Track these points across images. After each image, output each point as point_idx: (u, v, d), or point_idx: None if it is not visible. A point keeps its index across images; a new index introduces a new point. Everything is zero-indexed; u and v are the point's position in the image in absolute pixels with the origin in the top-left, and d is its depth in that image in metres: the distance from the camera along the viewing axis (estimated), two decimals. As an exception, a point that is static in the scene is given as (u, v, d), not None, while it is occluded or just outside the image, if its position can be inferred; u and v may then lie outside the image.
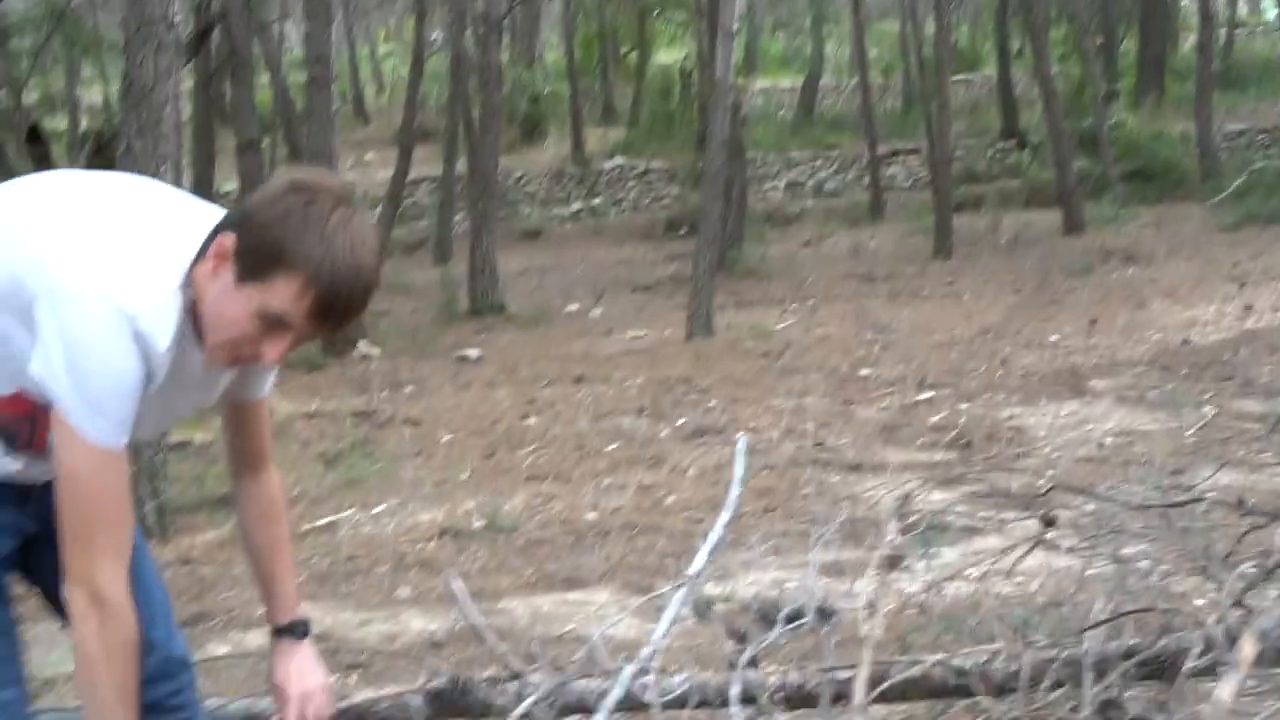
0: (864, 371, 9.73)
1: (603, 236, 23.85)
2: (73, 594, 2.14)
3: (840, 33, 39.45)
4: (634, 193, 26.18)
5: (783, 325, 12.34)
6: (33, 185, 2.33)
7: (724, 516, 2.82)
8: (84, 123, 27.58)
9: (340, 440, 8.22)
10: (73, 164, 19.29)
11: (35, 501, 2.32)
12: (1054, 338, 10.61)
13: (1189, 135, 23.63)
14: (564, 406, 9.09)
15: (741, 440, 3.02)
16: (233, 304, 2.09)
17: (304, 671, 2.53)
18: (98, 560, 2.13)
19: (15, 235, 2.16)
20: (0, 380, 2.20)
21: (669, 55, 34.27)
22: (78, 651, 2.16)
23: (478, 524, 6.08)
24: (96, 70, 31.79)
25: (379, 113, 33.47)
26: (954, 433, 7.42)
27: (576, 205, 25.85)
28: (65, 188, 2.30)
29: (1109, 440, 7.01)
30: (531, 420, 8.69)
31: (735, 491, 2.86)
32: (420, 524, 6.20)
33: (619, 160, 26.61)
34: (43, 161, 16.57)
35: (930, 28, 21.40)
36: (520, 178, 25.60)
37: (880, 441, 7.45)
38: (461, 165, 21.00)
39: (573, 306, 14.89)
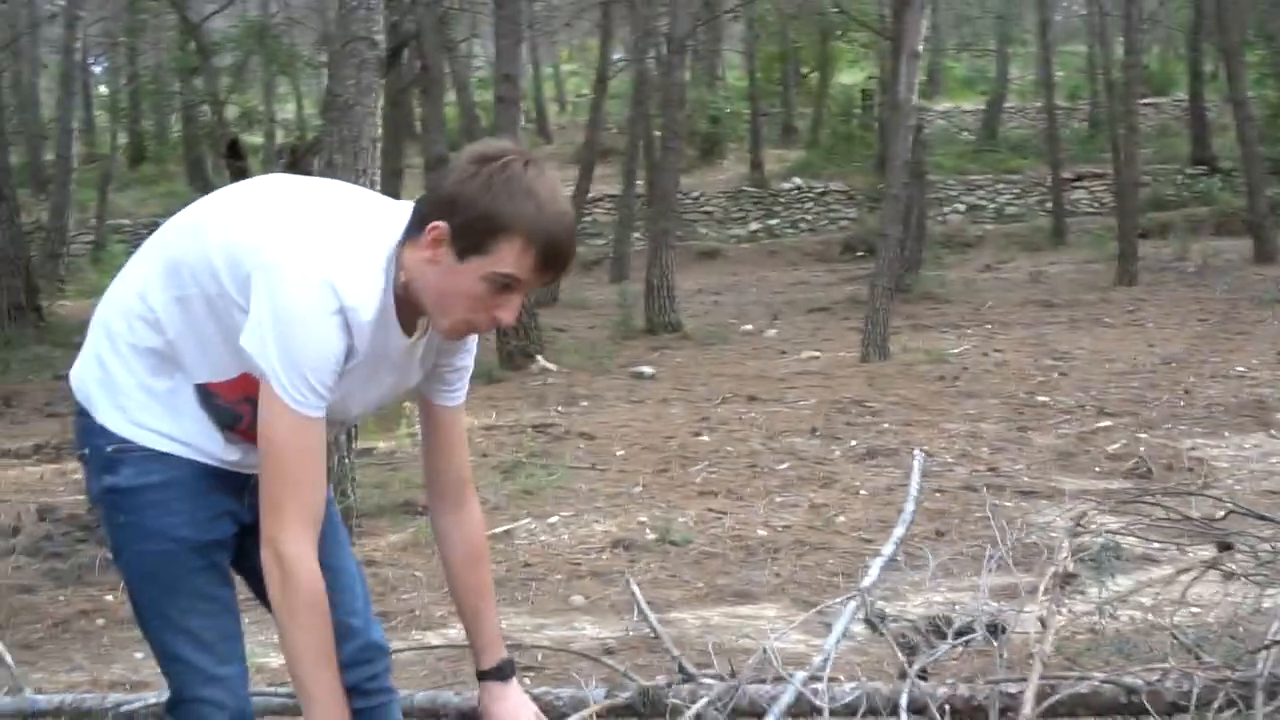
0: (1041, 398, 9.61)
1: (779, 257, 23.90)
2: (264, 555, 2.29)
3: (1025, 55, 38.87)
4: (811, 214, 26.16)
5: (959, 350, 12.25)
6: (249, 184, 2.52)
7: (899, 530, 2.88)
8: (279, 137, 28.47)
9: (517, 452, 8.39)
10: (269, 178, 19.94)
11: (251, 493, 2.48)
12: (1240, 369, 10.36)
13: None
14: (737, 425, 9.16)
15: (918, 455, 3.07)
16: (460, 281, 2.26)
17: (516, 712, 2.65)
18: (286, 522, 2.28)
19: (237, 221, 2.36)
20: (226, 361, 2.36)
21: (850, 76, 34.15)
22: (275, 613, 2.32)
23: (650, 536, 6.18)
24: (290, 87, 32.90)
25: (559, 131, 33.95)
26: (1132, 462, 7.30)
27: (754, 225, 25.94)
28: (278, 186, 2.50)
29: (1293, 474, 6.84)
30: (704, 437, 8.78)
31: (910, 506, 2.92)
32: (594, 535, 6.32)
33: (797, 181, 26.62)
34: (240, 175, 17.22)
35: (1119, 50, 20.99)
36: (698, 197, 25.79)
37: (1056, 468, 7.37)
38: (640, 184, 21.26)
39: (748, 326, 14.96)
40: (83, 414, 2.46)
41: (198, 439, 2.43)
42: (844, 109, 30.97)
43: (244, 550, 2.55)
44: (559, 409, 10.17)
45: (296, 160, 17.43)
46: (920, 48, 11.64)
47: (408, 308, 2.36)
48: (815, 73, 32.95)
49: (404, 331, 2.38)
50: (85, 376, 2.46)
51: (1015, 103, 34.01)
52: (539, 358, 12.27)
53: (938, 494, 6.74)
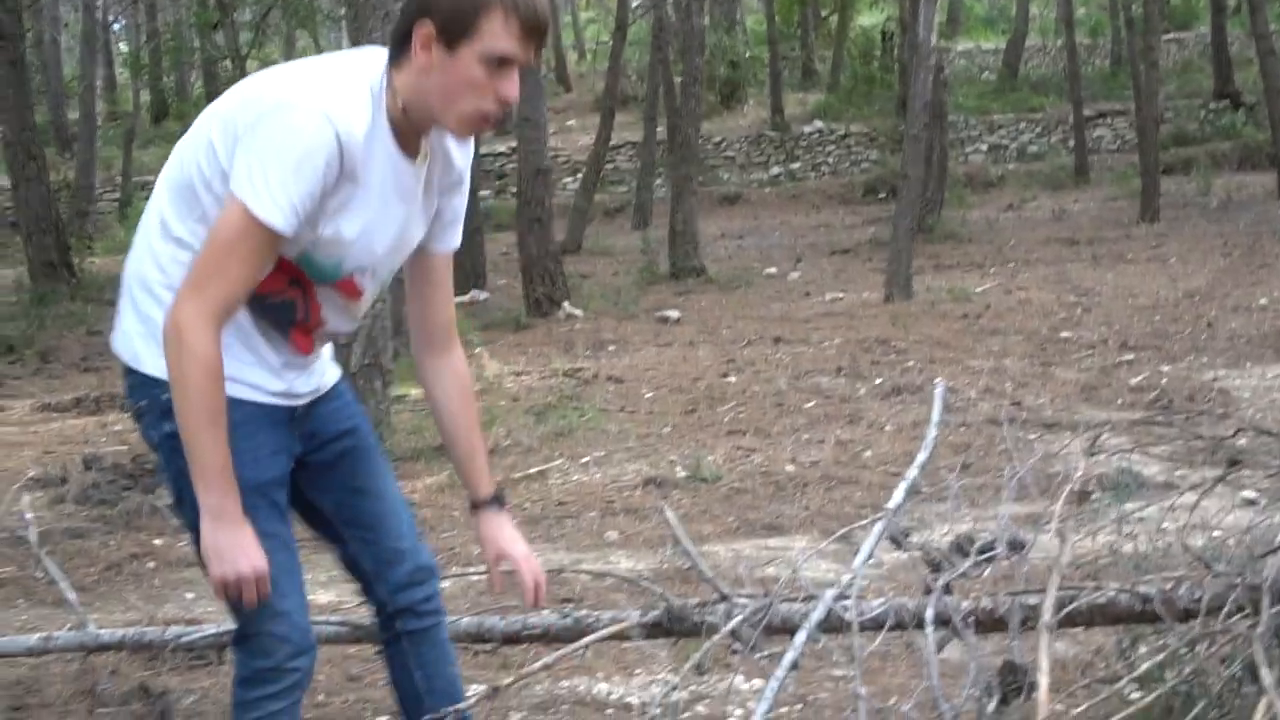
0: (1064, 334, 9.71)
1: (801, 201, 23.92)
2: (165, 325, 2.35)
3: (1046, -9, 38.58)
4: (833, 157, 26.13)
5: (982, 288, 12.33)
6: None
7: (922, 455, 3.00)
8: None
9: (548, 395, 8.54)
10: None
11: (299, 421, 2.63)
12: (1263, 301, 10.43)
13: None
14: (763, 365, 9.29)
15: (939, 384, 3.19)
16: (458, 71, 2.36)
17: (515, 537, 2.79)
18: (196, 300, 2.33)
19: (222, 101, 2.50)
20: None
21: (870, 18, 33.99)
22: (170, 382, 2.36)
23: (681, 474, 6.32)
24: (309, 40, 32.93)
25: (579, 79, 33.90)
26: (1154, 393, 7.41)
27: (775, 170, 25.93)
28: (253, 75, 2.62)
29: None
30: (731, 378, 8.91)
31: (933, 433, 3.04)
32: (625, 473, 6.47)
33: (818, 124, 26.57)
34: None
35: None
36: (719, 142, 25.78)
37: (1079, 401, 7.49)
38: (661, 130, 21.28)
39: (771, 269, 15.05)
40: (131, 373, 2.54)
41: (249, 373, 2.52)
42: (864, 51, 30.86)
43: (297, 486, 2.69)
44: (587, 353, 10.30)
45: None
46: (939, -13, 11.64)
47: (408, 132, 2.47)
48: (834, 15, 32.81)
49: (406, 155, 2.48)
50: (129, 332, 2.54)
51: (1035, 41, 33.82)
52: (565, 304, 12.40)
53: (962, 428, 6.87)
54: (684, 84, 15.09)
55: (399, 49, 2.42)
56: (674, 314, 11.99)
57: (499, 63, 2.35)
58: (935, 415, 3.10)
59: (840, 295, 12.69)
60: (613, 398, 8.48)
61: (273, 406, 2.59)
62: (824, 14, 34.38)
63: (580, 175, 21.92)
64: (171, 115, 33.31)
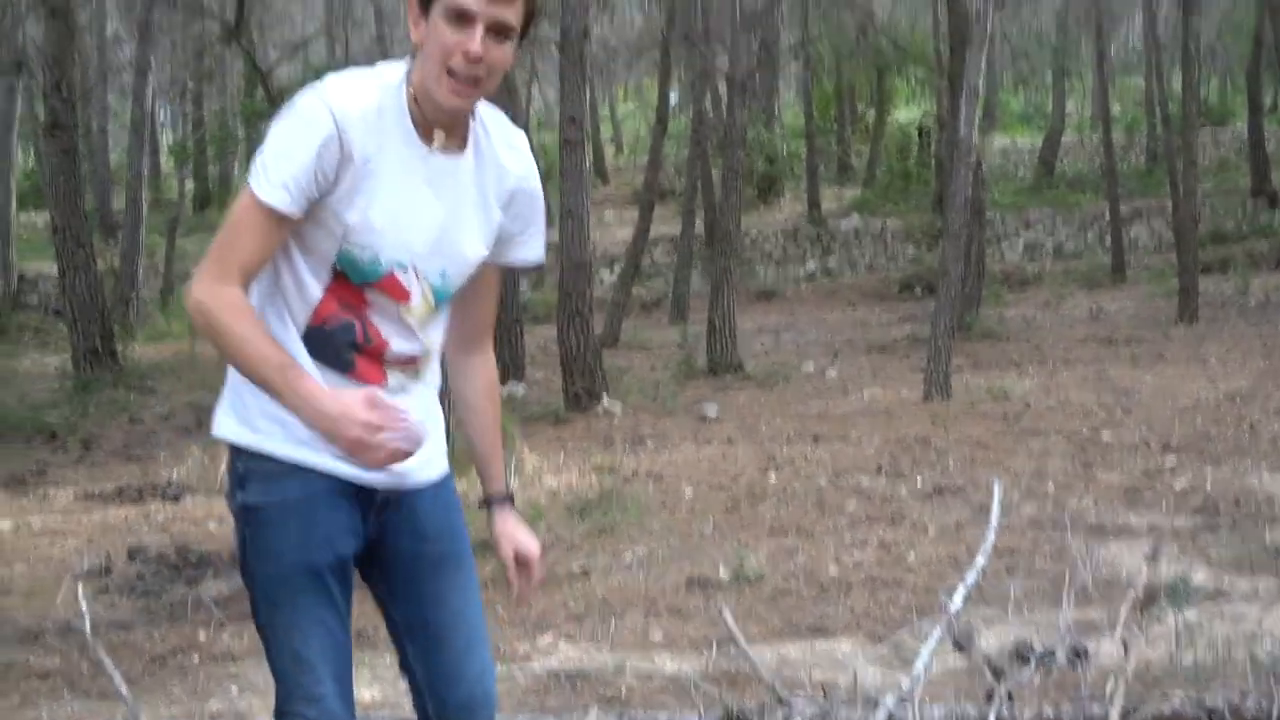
0: (1105, 436, 9.66)
1: (837, 297, 23.96)
2: (188, 308, 2.48)
3: (1081, 88, 38.87)
4: (869, 253, 26.23)
5: (1021, 388, 12.29)
6: None
7: (980, 559, 3.00)
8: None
9: (588, 491, 8.54)
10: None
11: (381, 507, 2.65)
12: (1306, 404, 10.38)
13: None
14: (803, 464, 9.28)
15: (997, 485, 3.20)
16: (433, 38, 2.46)
17: (530, 536, 2.84)
18: (205, 273, 2.46)
19: None
20: (311, 269, 2.56)
21: (906, 114, 34.27)
22: (212, 340, 2.48)
23: (724, 574, 6.31)
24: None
25: (616, 172, 34.23)
26: (1200, 498, 7.36)
27: (811, 265, 26.03)
28: None
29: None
30: (772, 476, 8.90)
31: (991, 536, 3.04)
32: (669, 572, 6.46)
33: (855, 220, 26.72)
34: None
35: (1177, 81, 21.00)
36: (756, 237, 25.92)
37: (1123, 505, 7.45)
38: (698, 224, 21.43)
39: (809, 366, 15.06)
40: (226, 445, 2.65)
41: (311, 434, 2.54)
42: (900, 147, 31.10)
43: (370, 573, 2.73)
44: (626, 449, 10.31)
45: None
46: (979, 85, 11.74)
47: (425, 123, 2.54)
48: (871, 110, 33.09)
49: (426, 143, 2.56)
50: (220, 406, 2.67)
51: (1071, 137, 34.02)
52: (604, 398, 12.43)
53: (1006, 530, 6.83)
54: (724, 178, 15.20)
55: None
56: (712, 410, 11.99)
57: (458, 18, 2.44)
58: (994, 518, 3.10)
59: (879, 393, 12.68)
60: (653, 494, 8.48)
61: (337, 480, 2.57)
62: (860, 109, 34.69)
63: (615, 268, 22.09)
64: (214, 204, 33.77)
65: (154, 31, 21.70)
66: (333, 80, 2.50)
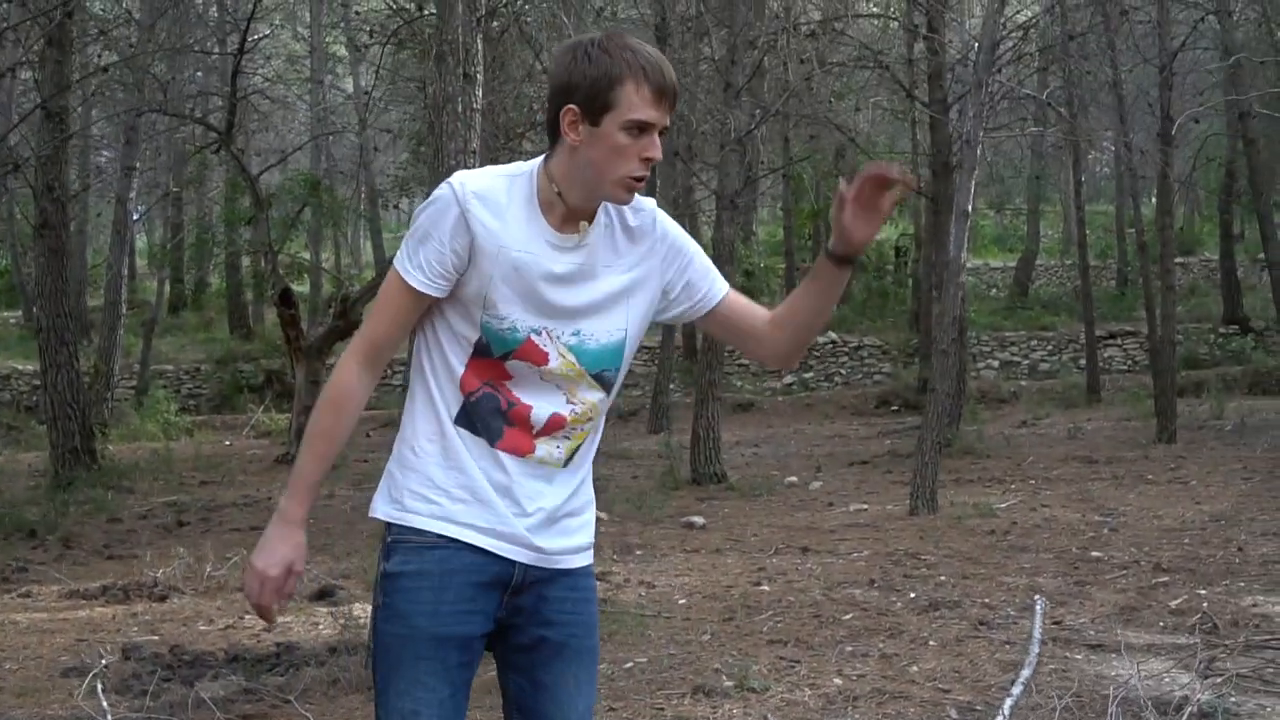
0: (1095, 553, 9.70)
1: (814, 410, 24.09)
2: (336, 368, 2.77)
3: (1053, 213, 39.46)
4: (846, 368, 26.44)
5: (1005, 504, 12.35)
6: None
7: (1026, 671, 3.01)
8: (325, 286, 28.96)
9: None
10: (317, 324, 20.41)
11: (518, 590, 2.77)
12: (1291, 527, 10.44)
13: None
14: (794, 575, 9.27)
15: (1039, 600, 3.21)
16: (604, 142, 2.65)
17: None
18: (350, 348, 2.78)
19: None
20: (453, 344, 2.78)
21: (882, 232, 34.66)
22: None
23: (728, 683, 6.28)
24: (330, 236, 33.53)
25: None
26: (1197, 617, 7.38)
27: (789, 379, 26.17)
28: None
29: (1360, 631, 6.92)
30: (764, 587, 8.89)
31: (1035, 648, 3.05)
32: (672, 680, 6.42)
33: (832, 335, 26.92)
34: (291, 324, 17.58)
35: (1146, 209, 21.37)
36: (733, 350, 26.02)
37: (1120, 623, 7.45)
38: (676, 335, 21.53)
39: (792, 478, 15.08)
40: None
41: (459, 510, 2.73)
42: (877, 265, 31.43)
43: (497, 640, 2.82)
44: (615, 558, 10.28)
45: (346, 310, 17.81)
46: (970, 208, 11.93)
47: (567, 214, 2.73)
48: (847, 229, 33.45)
49: (563, 233, 2.74)
50: (379, 491, 2.86)
51: (1044, 260, 34.50)
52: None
53: (1007, 645, 6.83)
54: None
55: (552, 141, 2.74)
56: (699, 520, 11.99)
57: (639, 128, 2.64)
58: (1036, 631, 3.11)
59: (864, 507, 12.71)
60: (646, 603, 8.46)
61: (485, 560, 2.72)
62: (836, 228, 35.05)
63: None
64: (189, 307, 33.79)
65: (139, 134, 21.83)
66: (465, 171, 2.75)
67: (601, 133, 2.64)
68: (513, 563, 2.75)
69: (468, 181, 2.70)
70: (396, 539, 2.75)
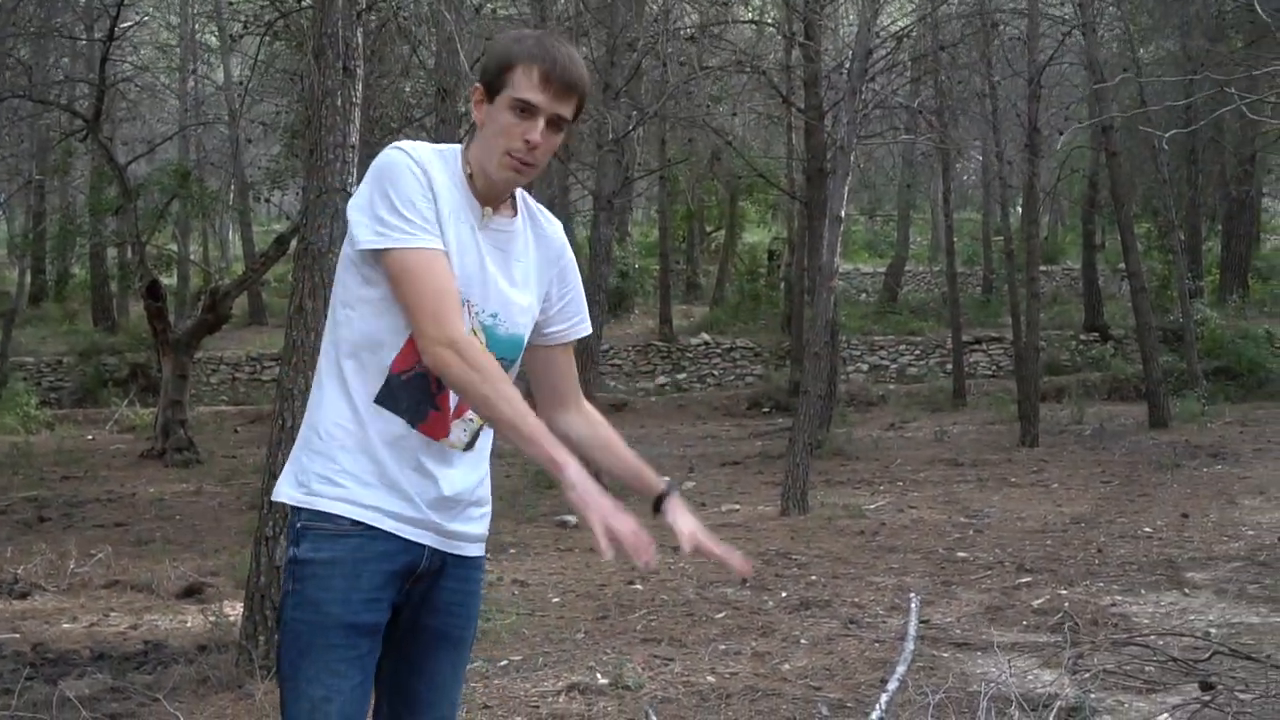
0: (961, 554, 9.90)
1: (687, 411, 24.23)
2: (439, 353, 2.61)
3: (922, 220, 40.14)
4: (718, 369, 26.64)
5: (875, 506, 12.55)
6: None
7: (900, 668, 3.07)
8: (192, 278, 28.44)
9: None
10: (185, 318, 20.02)
11: (421, 577, 2.79)
12: (1147, 530, 10.74)
13: (1274, 335, 23.82)
14: (668, 574, 9.32)
15: (914, 598, 3.28)
16: (495, 121, 2.74)
17: (695, 522, 3.01)
18: (449, 323, 2.63)
19: None
20: (388, 323, 2.73)
21: (755, 235, 34.96)
22: (461, 392, 2.66)
23: (603, 681, 6.31)
24: (200, 229, 32.95)
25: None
26: (1058, 616, 7.57)
27: (661, 379, 26.32)
28: None
29: (1213, 631, 7.14)
30: (638, 585, 8.93)
31: (910, 645, 3.12)
32: (546, 679, 6.44)
33: (705, 337, 27.12)
34: (159, 316, 17.26)
35: (1012, 218, 21.85)
36: (607, 350, 26.14)
37: (985, 622, 7.62)
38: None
39: (665, 478, 15.14)
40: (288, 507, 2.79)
41: (368, 494, 2.72)
42: (750, 268, 31.71)
43: (389, 638, 2.81)
44: (488, 555, 10.23)
45: (215, 304, 17.52)
46: (843, 213, 12.10)
47: (481, 198, 2.78)
48: (720, 231, 33.73)
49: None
50: (283, 474, 2.82)
51: (912, 266, 35.08)
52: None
53: (876, 644, 6.95)
54: (590, 293, 15.30)
55: (472, 129, 2.80)
56: (573, 518, 12.00)
57: (522, 109, 2.71)
58: (911, 629, 3.18)
59: (736, 507, 12.83)
60: (520, 601, 8.46)
61: (395, 546, 2.73)
62: (710, 230, 35.32)
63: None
64: (51, 298, 32.96)
65: (0, 120, 21.23)
66: (403, 142, 2.74)
67: (494, 110, 2.74)
68: (421, 548, 2.77)
69: (412, 150, 2.72)
70: (306, 525, 2.73)
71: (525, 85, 2.70)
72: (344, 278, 2.77)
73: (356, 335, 2.74)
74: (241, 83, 21.84)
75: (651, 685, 6.27)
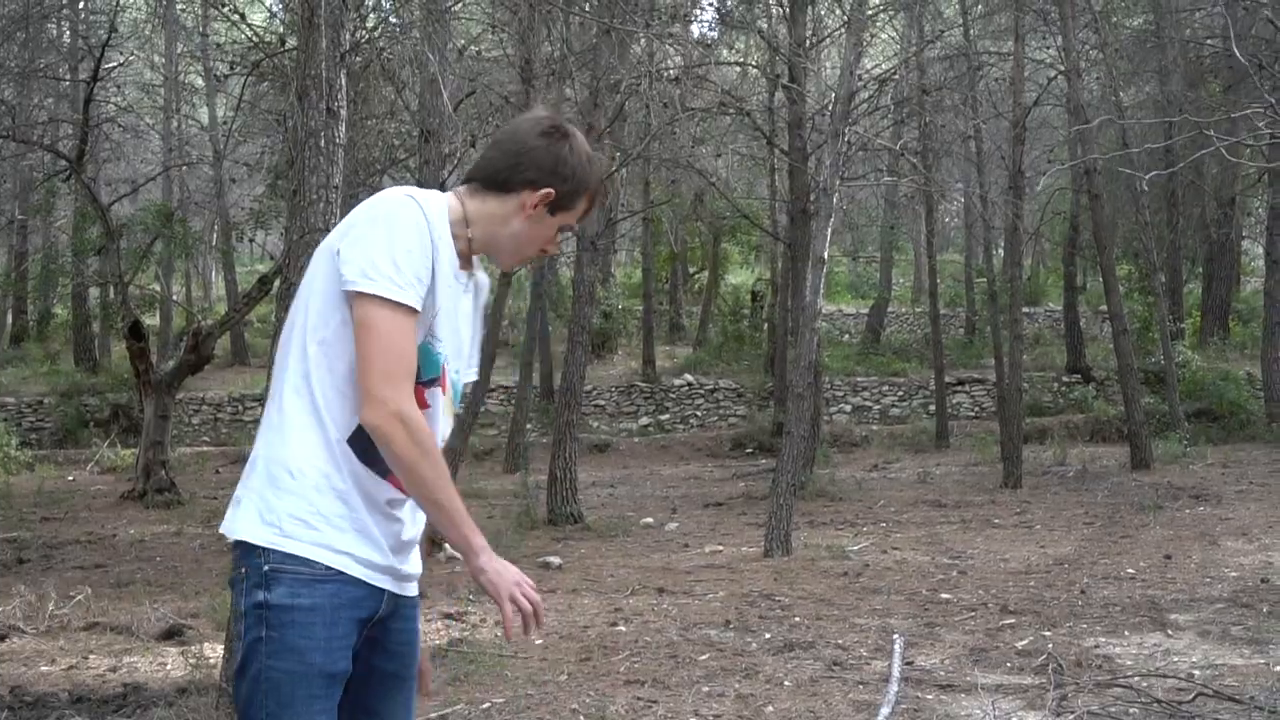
0: (944, 595, 9.89)
1: (670, 452, 24.22)
2: (381, 416, 2.59)
3: (905, 262, 40.28)
4: (701, 410, 26.64)
5: (858, 547, 12.54)
6: None
7: (885, 709, 3.06)
8: (175, 318, 28.35)
9: (436, 638, 8.45)
10: (167, 358, 19.99)
11: (377, 624, 2.76)
12: (1130, 571, 10.74)
13: (1254, 377, 23.91)
14: (651, 616, 9.30)
15: (898, 638, 3.27)
16: (543, 230, 2.85)
17: (509, 566, 2.95)
18: (400, 388, 2.60)
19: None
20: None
21: (738, 277, 35.02)
22: (398, 464, 2.62)
23: (586, 723, 6.28)
24: (183, 269, 32.89)
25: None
26: (1042, 658, 7.56)
27: (645, 420, 26.30)
28: None
29: (1196, 673, 7.14)
30: (621, 627, 8.90)
31: (894, 687, 3.11)
32: (529, 721, 6.40)
33: (688, 378, 27.13)
34: (141, 357, 17.21)
35: (994, 260, 21.96)
36: (590, 390, 26.14)
37: (970, 664, 7.60)
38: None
39: (648, 519, 15.14)
40: (238, 545, 2.71)
41: (353, 543, 2.69)
42: (733, 309, 31.76)
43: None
44: (470, 597, 10.22)
45: (198, 344, 17.49)
46: (825, 255, 12.14)
47: (463, 255, 2.82)
48: (703, 272, 33.79)
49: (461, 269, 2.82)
50: (238, 508, 2.74)
51: (895, 308, 35.17)
52: (446, 545, 12.30)
53: (860, 685, 6.92)
54: (571, 333, 15.35)
55: (489, 186, 2.81)
56: (555, 560, 11.98)
57: (566, 229, 2.87)
58: (896, 670, 3.17)
59: (719, 548, 12.80)
60: (503, 643, 8.40)
61: (364, 593, 2.71)
62: (693, 271, 35.38)
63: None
64: (32, 338, 32.86)
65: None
66: (415, 190, 2.73)
67: (549, 221, 2.85)
68: (383, 593, 2.76)
69: (422, 200, 2.70)
70: (278, 568, 2.65)
71: (581, 213, 2.88)
72: (325, 313, 2.70)
73: (339, 373, 2.69)
74: (226, 123, 21.89)
75: (635, 728, 6.23)
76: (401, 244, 2.63)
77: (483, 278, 2.98)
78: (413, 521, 2.84)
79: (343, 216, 3.00)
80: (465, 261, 2.84)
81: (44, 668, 7.84)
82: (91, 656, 8.12)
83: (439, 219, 2.72)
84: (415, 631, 2.94)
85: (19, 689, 6.96)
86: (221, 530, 2.79)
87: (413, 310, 2.63)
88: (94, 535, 14.33)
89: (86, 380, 27.52)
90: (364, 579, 2.71)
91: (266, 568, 2.65)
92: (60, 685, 7.27)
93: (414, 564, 2.88)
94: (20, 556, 12.71)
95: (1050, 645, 7.92)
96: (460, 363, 2.87)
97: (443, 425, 2.83)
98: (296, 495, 2.67)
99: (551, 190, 2.80)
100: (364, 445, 2.68)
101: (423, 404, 2.73)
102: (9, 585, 10.41)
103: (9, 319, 31.09)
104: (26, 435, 24.80)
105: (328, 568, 2.66)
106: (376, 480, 2.72)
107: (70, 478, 21.16)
